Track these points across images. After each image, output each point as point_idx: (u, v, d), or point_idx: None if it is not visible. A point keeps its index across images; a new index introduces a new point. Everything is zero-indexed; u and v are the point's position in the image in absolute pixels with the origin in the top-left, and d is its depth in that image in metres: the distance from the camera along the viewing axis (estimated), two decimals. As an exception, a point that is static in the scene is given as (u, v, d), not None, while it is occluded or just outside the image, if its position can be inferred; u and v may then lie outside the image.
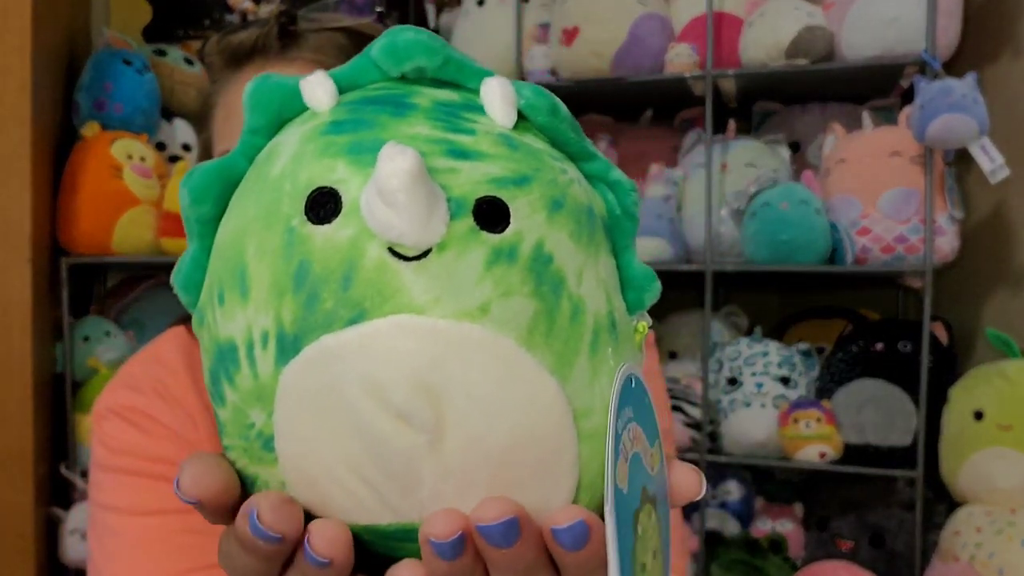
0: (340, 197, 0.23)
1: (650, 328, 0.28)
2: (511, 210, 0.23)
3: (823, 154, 1.56)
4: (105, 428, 0.58)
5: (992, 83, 1.48)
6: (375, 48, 0.25)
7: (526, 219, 0.23)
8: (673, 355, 1.71)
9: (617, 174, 0.27)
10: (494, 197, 0.23)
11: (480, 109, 0.25)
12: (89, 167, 1.50)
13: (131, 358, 0.63)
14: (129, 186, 1.52)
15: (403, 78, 0.26)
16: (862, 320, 1.72)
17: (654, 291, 0.28)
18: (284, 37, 0.50)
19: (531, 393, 0.23)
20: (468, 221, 0.22)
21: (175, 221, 1.55)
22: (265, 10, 1.91)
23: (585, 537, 0.23)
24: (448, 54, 0.25)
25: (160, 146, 1.66)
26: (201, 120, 0.56)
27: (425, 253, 0.22)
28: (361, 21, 0.52)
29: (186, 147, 1.69)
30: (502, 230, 0.23)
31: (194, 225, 0.26)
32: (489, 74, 0.26)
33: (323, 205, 0.23)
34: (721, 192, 1.56)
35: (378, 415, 0.22)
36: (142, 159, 1.55)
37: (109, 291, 1.77)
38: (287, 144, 0.25)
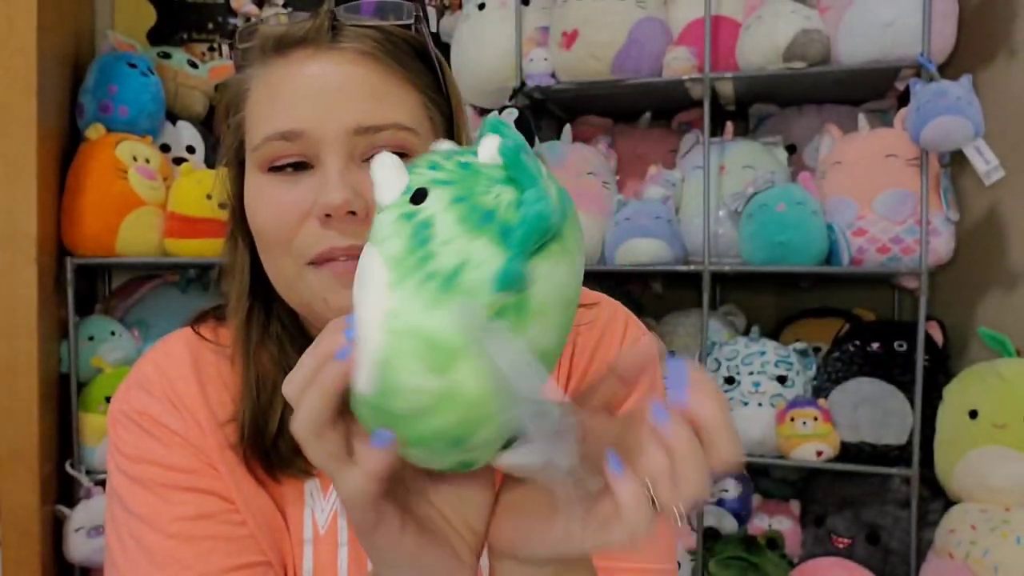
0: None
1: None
2: (428, 195, 0.38)
3: (820, 156, 1.57)
4: (121, 434, 0.60)
5: (987, 85, 1.50)
6: None
7: (435, 203, 0.38)
8: (671, 354, 1.72)
9: (528, 198, 0.39)
10: (425, 188, 0.38)
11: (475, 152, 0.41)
12: (94, 169, 1.52)
13: (144, 356, 0.65)
14: (134, 187, 1.53)
15: None
16: (858, 320, 1.74)
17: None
18: (332, 30, 0.57)
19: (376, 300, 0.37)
20: (407, 196, 0.38)
21: (179, 222, 1.56)
22: (268, 12, 1.93)
23: None
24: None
25: (164, 148, 1.67)
26: (234, 104, 0.59)
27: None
28: (394, 23, 0.59)
29: (190, 149, 1.70)
30: (418, 203, 0.38)
31: None
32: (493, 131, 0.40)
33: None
34: (719, 193, 1.57)
35: None
36: (147, 161, 1.57)
37: (114, 291, 1.78)
38: None
